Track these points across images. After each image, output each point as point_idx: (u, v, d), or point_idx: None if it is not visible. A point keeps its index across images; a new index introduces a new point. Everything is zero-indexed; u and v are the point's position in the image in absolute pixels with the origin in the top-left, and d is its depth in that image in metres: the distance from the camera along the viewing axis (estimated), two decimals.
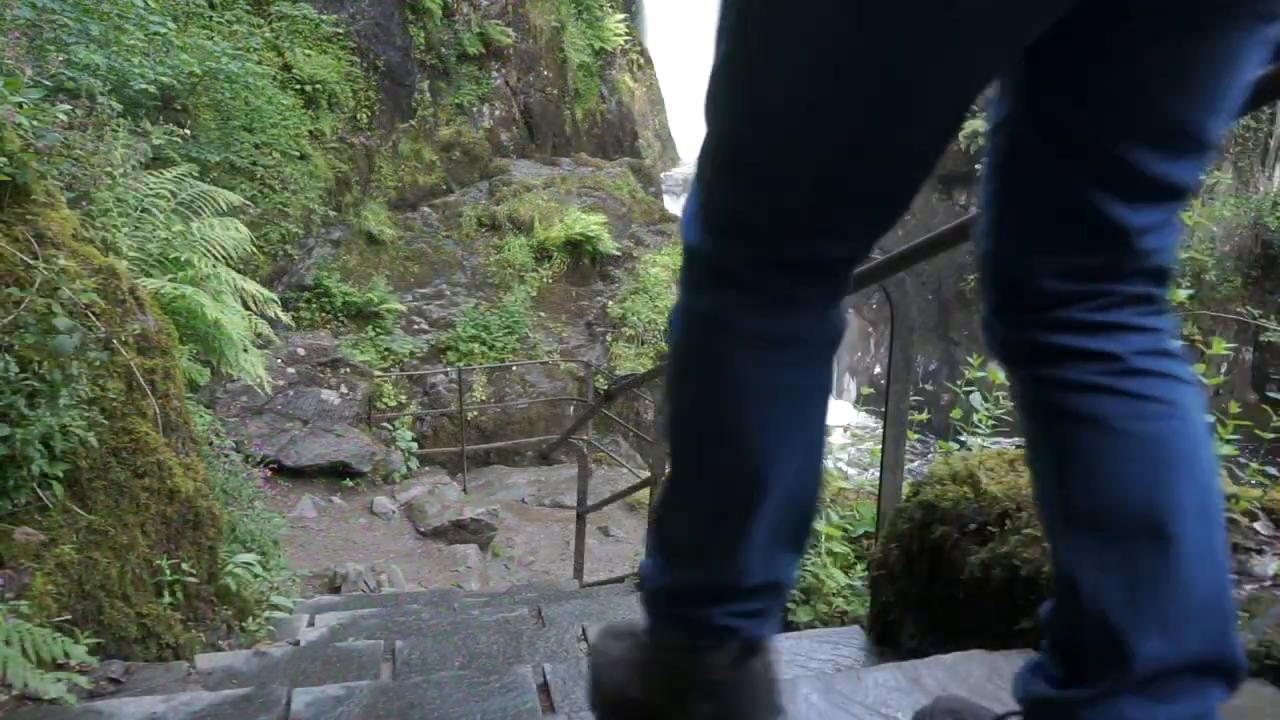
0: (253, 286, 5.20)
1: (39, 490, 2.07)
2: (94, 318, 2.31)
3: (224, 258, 4.98)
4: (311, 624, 3.28)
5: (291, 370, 9.05)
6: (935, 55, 0.66)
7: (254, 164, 8.42)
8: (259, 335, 5.41)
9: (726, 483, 0.87)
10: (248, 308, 5.18)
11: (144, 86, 5.87)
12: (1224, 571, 0.80)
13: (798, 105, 0.72)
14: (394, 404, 9.55)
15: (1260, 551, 1.36)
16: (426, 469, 9.32)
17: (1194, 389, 0.83)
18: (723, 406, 0.85)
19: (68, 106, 3.89)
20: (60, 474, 2.11)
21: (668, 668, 0.93)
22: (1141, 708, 0.77)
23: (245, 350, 4.93)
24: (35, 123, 2.94)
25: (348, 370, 9.35)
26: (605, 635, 1.07)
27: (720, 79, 0.77)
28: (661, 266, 12.13)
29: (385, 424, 9.36)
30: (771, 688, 0.93)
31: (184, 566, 2.49)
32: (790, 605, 2.33)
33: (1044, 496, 0.86)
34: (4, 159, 2.24)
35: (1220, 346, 2.12)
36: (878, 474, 2.36)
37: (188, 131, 6.37)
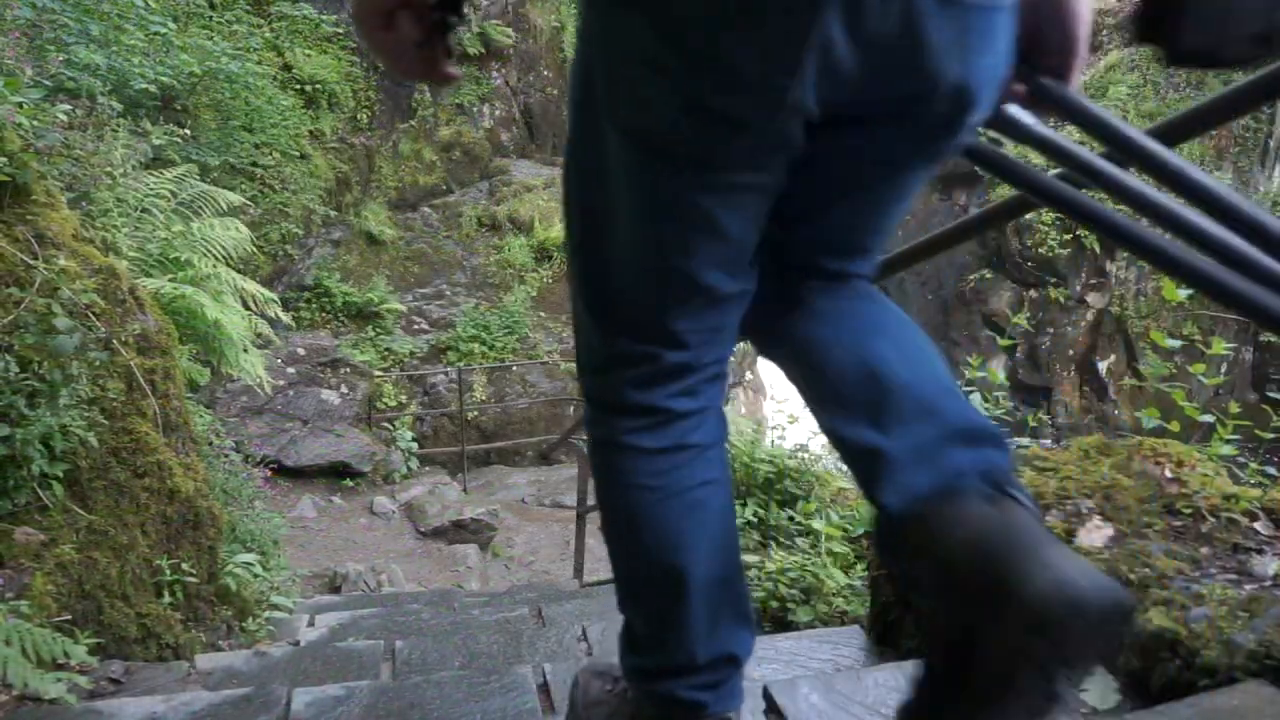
0: (253, 286, 5.21)
1: (39, 490, 2.07)
2: (94, 318, 2.31)
3: (224, 258, 4.98)
4: (311, 624, 3.28)
5: (291, 370, 9.05)
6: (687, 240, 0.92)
7: (254, 164, 8.42)
8: (259, 335, 5.41)
9: (654, 579, 1.01)
10: (248, 308, 5.18)
11: (144, 86, 5.87)
12: (938, 377, 0.97)
13: (623, 224, 0.94)
14: (394, 404, 9.55)
15: (1260, 551, 1.36)
16: (426, 469, 9.32)
17: (881, 299, 1.09)
18: (632, 515, 1.01)
19: (68, 106, 3.89)
20: (60, 474, 2.11)
21: None
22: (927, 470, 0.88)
23: (245, 350, 4.93)
24: (35, 123, 2.94)
25: (348, 370, 9.35)
26: (590, 671, 1.19)
27: (576, 236, 1.01)
28: None
29: (385, 424, 9.36)
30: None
31: (184, 566, 2.49)
32: (790, 605, 2.33)
33: (809, 395, 1.04)
34: (4, 159, 2.24)
35: (1220, 346, 2.12)
36: None
37: (188, 131, 6.38)
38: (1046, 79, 0.94)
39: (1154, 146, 0.87)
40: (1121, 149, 0.88)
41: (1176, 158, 0.86)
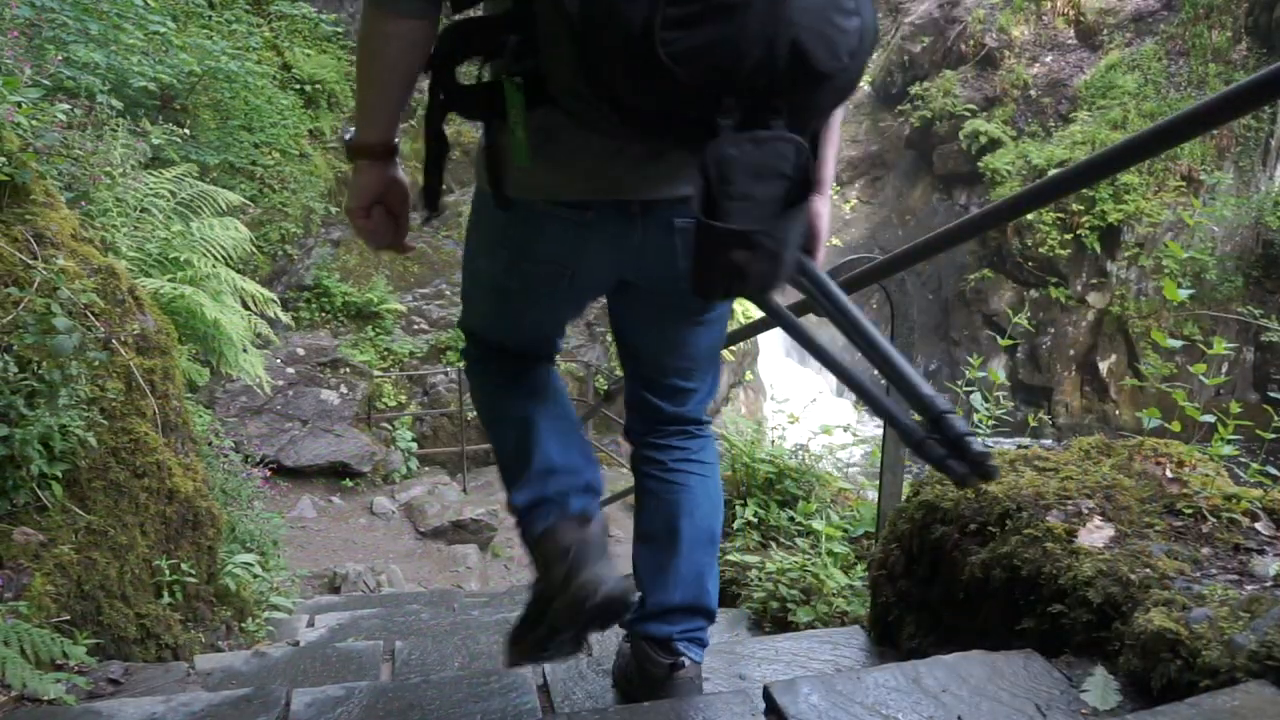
0: (252, 286, 5.20)
1: (38, 490, 2.06)
2: (93, 318, 2.31)
3: (224, 258, 4.98)
4: (311, 624, 3.27)
5: (291, 370, 9.04)
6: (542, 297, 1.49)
7: (254, 164, 8.41)
8: (259, 335, 5.41)
9: (509, 434, 1.57)
10: (247, 308, 5.18)
11: (143, 84, 5.87)
12: (704, 563, 1.57)
13: (486, 311, 1.61)
14: (394, 404, 9.54)
15: (1261, 551, 1.36)
16: (426, 469, 9.31)
17: (705, 475, 1.61)
18: (496, 405, 1.61)
19: (67, 106, 3.89)
20: (59, 474, 2.11)
21: (538, 546, 1.46)
22: (656, 626, 1.54)
23: (244, 350, 4.93)
24: (34, 122, 2.94)
25: (347, 370, 9.34)
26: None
27: (466, 274, 1.61)
28: None
29: (385, 424, 9.36)
30: (598, 546, 1.45)
31: (183, 567, 2.48)
32: (791, 605, 2.33)
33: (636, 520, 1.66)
34: (3, 158, 2.24)
35: (1221, 346, 2.11)
36: (878, 474, 2.36)
37: (187, 131, 6.37)
38: (801, 254, 1.43)
39: (839, 296, 1.43)
40: (824, 295, 1.46)
41: (849, 307, 1.42)
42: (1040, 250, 13.61)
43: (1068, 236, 13.46)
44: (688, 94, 1.04)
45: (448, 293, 11.13)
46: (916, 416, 1.29)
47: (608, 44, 1.03)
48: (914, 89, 16.17)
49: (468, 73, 1.30)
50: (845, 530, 2.75)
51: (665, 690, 1.48)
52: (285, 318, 6.42)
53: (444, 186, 1.41)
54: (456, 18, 1.26)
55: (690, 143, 1.10)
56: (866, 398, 1.57)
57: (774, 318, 1.57)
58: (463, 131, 12.99)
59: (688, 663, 1.52)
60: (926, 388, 1.27)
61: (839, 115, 1.36)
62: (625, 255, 1.37)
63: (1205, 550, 1.38)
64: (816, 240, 1.45)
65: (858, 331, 1.42)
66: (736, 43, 1.01)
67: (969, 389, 2.93)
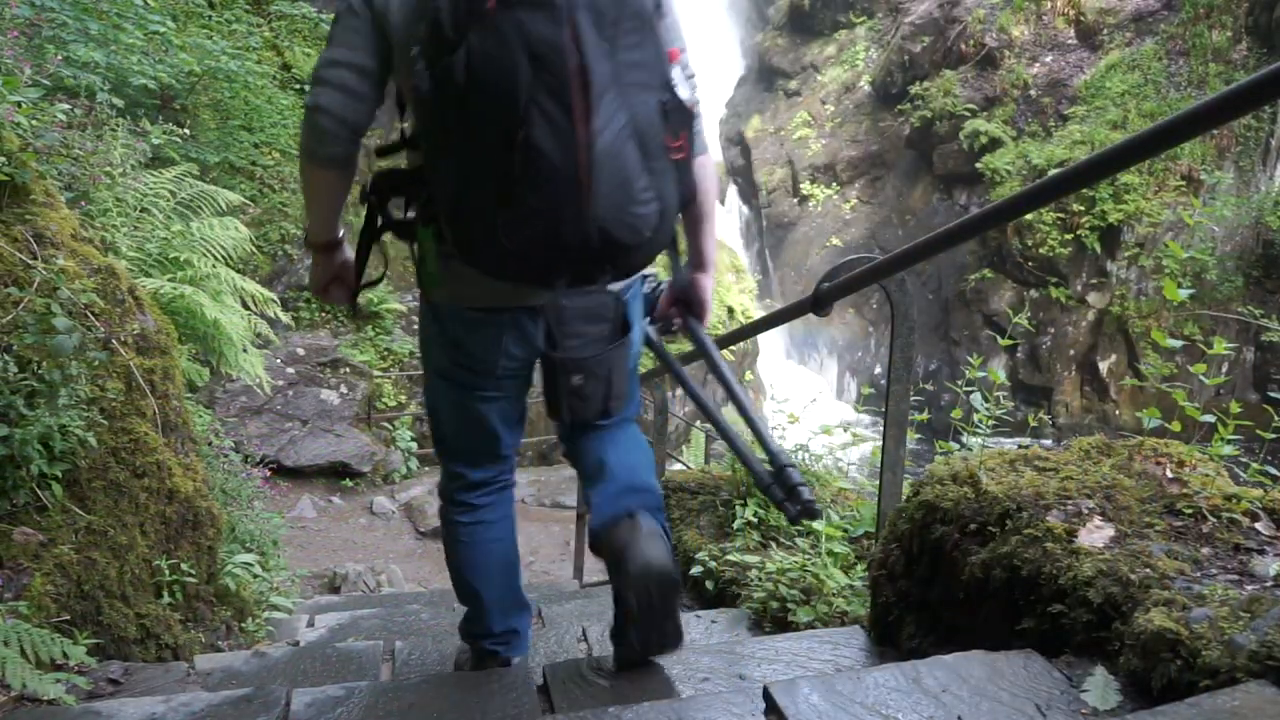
0: (252, 286, 5.20)
1: (38, 490, 2.06)
2: (93, 318, 2.31)
3: (224, 258, 4.97)
4: (311, 624, 3.27)
5: (291, 370, 9.04)
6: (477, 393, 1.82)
7: (253, 163, 8.41)
8: (258, 335, 5.41)
9: (467, 589, 1.96)
10: (247, 308, 5.18)
11: (143, 83, 5.87)
12: (636, 462, 1.89)
13: (446, 413, 1.89)
14: (394, 404, 9.54)
15: (1261, 551, 1.36)
16: (426, 469, 9.31)
17: (628, 432, 1.94)
18: (455, 555, 1.95)
19: (67, 106, 3.89)
20: (59, 474, 2.11)
21: (477, 664, 1.99)
22: (612, 510, 1.81)
23: (244, 350, 4.93)
24: (34, 122, 2.94)
25: (347, 370, 9.34)
26: (456, 649, 2.15)
27: (426, 383, 1.94)
28: (661, 266, 12.11)
29: (385, 424, 9.35)
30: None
31: (183, 567, 2.48)
32: (790, 605, 2.33)
33: (578, 472, 2.04)
34: (3, 159, 2.24)
35: (1221, 346, 2.11)
36: (878, 474, 2.36)
37: (187, 131, 6.37)
38: (692, 319, 1.98)
39: (716, 358, 1.98)
40: (702, 350, 1.96)
41: (723, 369, 1.95)
42: (1040, 250, 13.61)
43: (1068, 236, 13.46)
44: (530, 269, 1.50)
45: None
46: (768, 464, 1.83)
47: (471, 236, 1.48)
48: (914, 89, 16.17)
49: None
50: (845, 530, 2.75)
51: (635, 542, 1.71)
52: (285, 318, 6.42)
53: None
54: (382, 163, 1.69)
55: (540, 292, 1.62)
56: (735, 448, 2.01)
57: (667, 366, 2.23)
58: None
59: (643, 520, 1.75)
60: (774, 444, 1.90)
61: (712, 209, 1.85)
62: (536, 346, 1.74)
63: (1205, 550, 1.38)
64: (704, 308, 1.95)
65: (727, 388, 1.94)
66: (557, 236, 1.43)
67: (969, 389, 2.93)
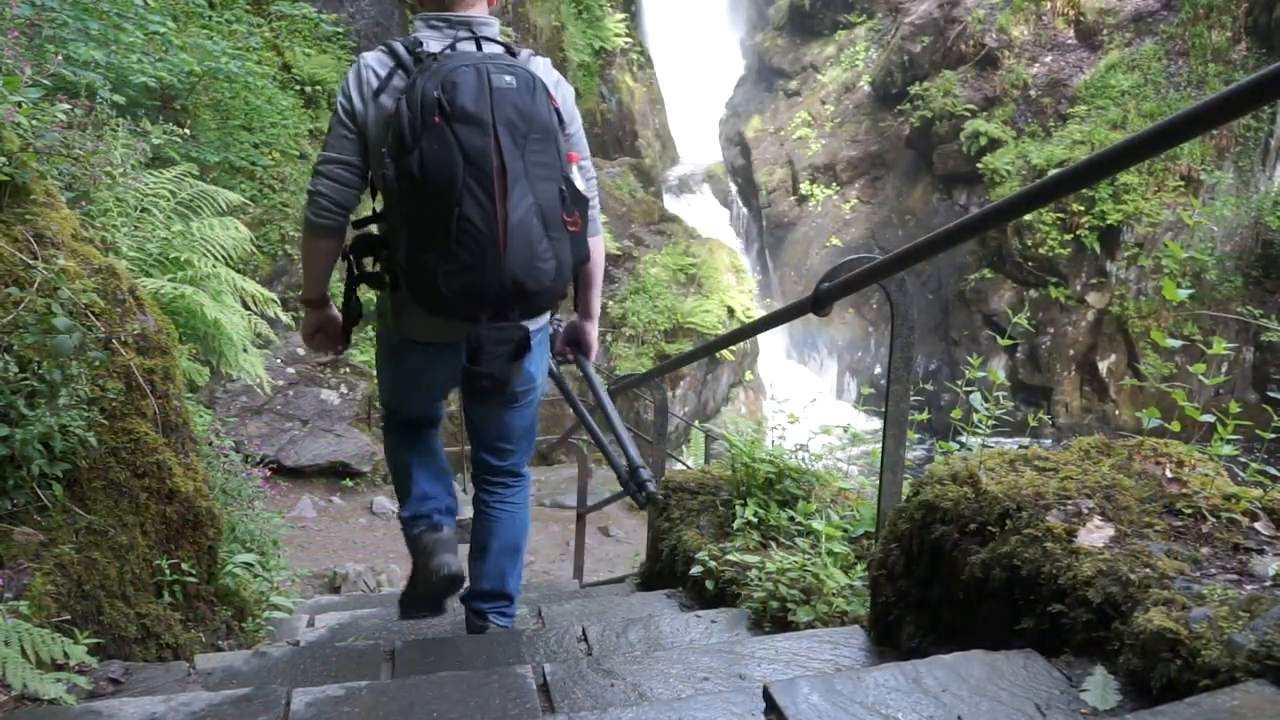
0: (253, 286, 5.20)
1: (38, 490, 2.07)
2: (94, 318, 2.31)
3: (224, 258, 4.97)
4: (311, 624, 3.27)
5: (291, 370, 9.04)
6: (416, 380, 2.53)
7: (253, 164, 8.41)
8: (259, 335, 5.41)
9: (401, 474, 2.61)
10: (247, 307, 5.18)
11: (143, 82, 5.86)
12: (505, 565, 2.60)
13: (390, 384, 2.60)
14: None
15: (1260, 551, 1.36)
16: None
17: (513, 512, 2.62)
18: (395, 455, 2.65)
19: (67, 106, 3.89)
20: (60, 474, 2.11)
21: (412, 544, 2.53)
22: (475, 603, 2.61)
23: (245, 350, 4.93)
24: (34, 122, 2.94)
25: (347, 370, 9.34)
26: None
27: (378, 369, 2.63)
28: (661, 267, 12.13)
29: None
30: (448, 544, 2.48)
31: (183, 566, 2.49)
32: (790, 605, 2.33)
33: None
34: (3, 159, 2.24)
35: (1221, 346, 2.11)
36: (878, 474, 2.36)
37: (187, 131, 6.37)
38: (580, 355, 2.69)
39: (596, 381, 2.80)
40: (585, 377, 2.78)
41: (600, 390, 2.82)
42: (1040, 250, 13.62)
43: (1068, 236, 13.46)
44: (462, 308, 2.07)
45: None
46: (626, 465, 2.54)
47: (421, 284, 2.04)
48: (914, 89, 16.17)
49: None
50: (845, 530, 2.75)
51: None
52: (285, 318, 6.41)
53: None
54: (357, 232, 2.25)
55: (466, 327, 2.12)
56: (604, 451, 2.72)
57: (562, 393, 3.13)
58: None
59: (493, 626, 2.56)
60: (633, 449, 2.53)
61: (598, 277, 2.46)
62: (455, 369, 2.25)
63: (1205, 550, 1.38)
64: (589, 348, 2.65)
65: (602, 408, 2.77)
66: (483, 284, 2.01)
67: (969, 389, 2.93)
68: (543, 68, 2.18)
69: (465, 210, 1.95)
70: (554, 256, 2.06)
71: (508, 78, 2.00)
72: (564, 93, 2.22)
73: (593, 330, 2.61)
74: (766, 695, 1.33)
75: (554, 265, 2.07)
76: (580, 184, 2.18)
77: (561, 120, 2.15)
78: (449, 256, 1.98)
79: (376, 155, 2.09)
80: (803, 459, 3.32)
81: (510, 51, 2.14)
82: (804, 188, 17.95)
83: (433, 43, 2.11)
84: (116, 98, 4.64)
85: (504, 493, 2.60)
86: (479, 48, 2.10)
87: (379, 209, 2.21)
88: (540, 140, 2.03)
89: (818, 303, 2.43)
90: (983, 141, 14.69)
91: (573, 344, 2.66)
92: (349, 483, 8.54)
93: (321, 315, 2.45)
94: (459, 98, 1.94)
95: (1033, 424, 3.83)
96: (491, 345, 2.11)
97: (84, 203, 3.96)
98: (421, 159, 1.94)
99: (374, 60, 2.13)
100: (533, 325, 2.27)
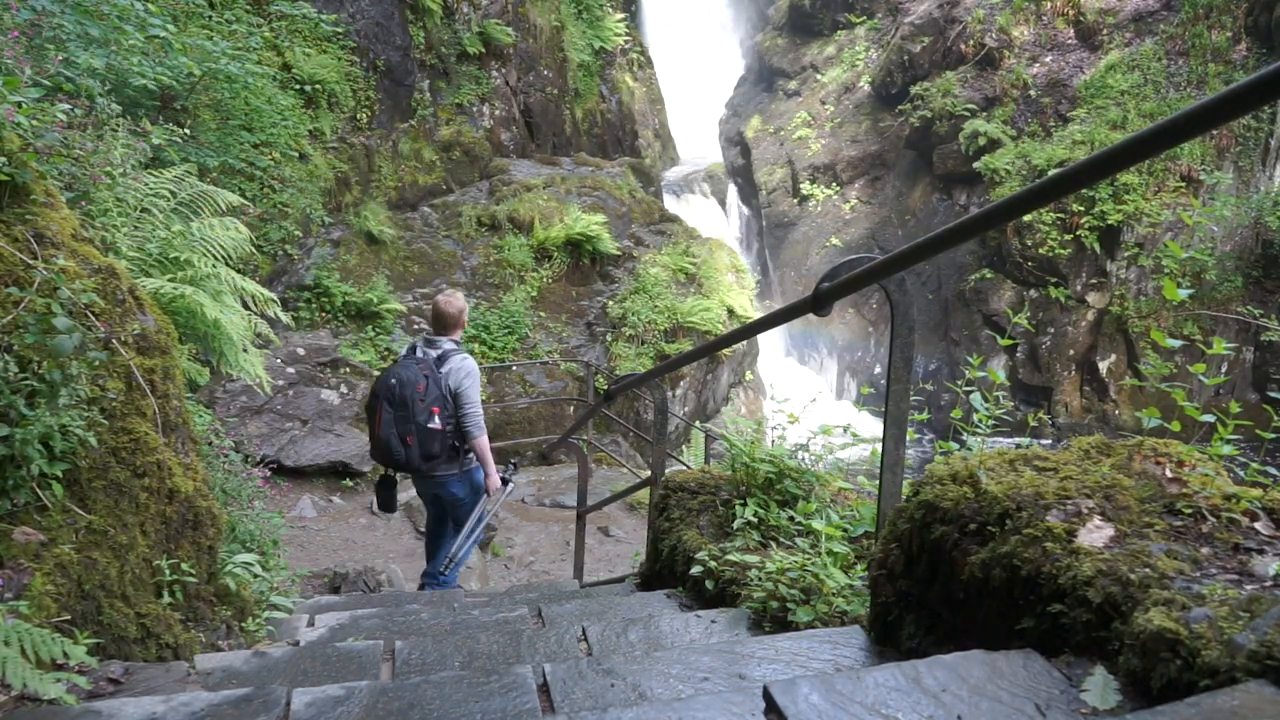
0: (253, 286, 5.20)
1: (38, 490, 2.06)
2: (93, 318, 2.31)
3: (224, 258, 4.97)
4: (311, 624, 3.27)
5: (291, 370, 9.04)
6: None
7: (253, 164, 8.41)
8: (259, 335, 5.41)
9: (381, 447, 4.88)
10: (248, 308, 5.18)
11: (143, 83, 5.86)
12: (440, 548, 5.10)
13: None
14: None
15: (1260, 551, 1.36)
16: None
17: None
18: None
19: (67, 106, 3.88)
20: (60, 474, 2.11)
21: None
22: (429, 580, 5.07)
23: (245, 350, 4.93)
24: (34, 122, 2.94)
25: (348, 370, 9.34)
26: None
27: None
28: (661, 266, 12.12)
29: None
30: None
31: (183, 566, 2.48)
32: (790, 605, 2.33)
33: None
34: (3, 159, 2.24)
35: (1220, 346, 2.11)
36: (878, 474, 2.36)
37: (187, 131, 6.36)
38: (484, 493, 5.03)
39: (472, 515, 4.83)
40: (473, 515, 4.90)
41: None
42: (1040, 250, 13.62)
43: (1068, 236, 13.47)
44: (391, 463, 4.60)
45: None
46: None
47: (374, 443, 4.58)
48: (914, 89, 16.18)
49: None
50: (845, 530, 2.75)
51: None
52: (285, 318, 6.41)
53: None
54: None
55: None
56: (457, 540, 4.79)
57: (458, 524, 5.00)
58: (463, 132, 13.01)
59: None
60: (449, 550, 4.83)
61: (482, 451, 4.65)
62: (423, 487, 4.77)
63: (1205, 550, 1.38)
64: (489, 489, 4.77)
65: (461, 526, 4.85)
66: (387, 448, 4.50)
67: (969, 389, 2.93)
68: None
69: (382, 419, 4.55)
70: (439, 444, 4.51)
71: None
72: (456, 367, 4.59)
73: (492, 477, 4.72)
74: (766, 695, 1.33)
75: (440, 448, 4.54)
76: (462, 418, 4.54)
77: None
78: (375, 438, 4.63)
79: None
80: (803, 459, 3.32)
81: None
82: (804, 188, 17.95)
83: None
84: (114, 106, 4.64)
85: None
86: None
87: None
88: (430, 391, 4.45)
89: (818, 302, 2.43)
90: (982, 141, 14.69)
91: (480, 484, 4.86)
92: (349, 483, 8.54)
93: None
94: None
95: (1033, 424, 3.83)
96: (425, 479, 4.67)
97: (84, 203, 3.96)
98: (373, 397, 4.63)
99: None
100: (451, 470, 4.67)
